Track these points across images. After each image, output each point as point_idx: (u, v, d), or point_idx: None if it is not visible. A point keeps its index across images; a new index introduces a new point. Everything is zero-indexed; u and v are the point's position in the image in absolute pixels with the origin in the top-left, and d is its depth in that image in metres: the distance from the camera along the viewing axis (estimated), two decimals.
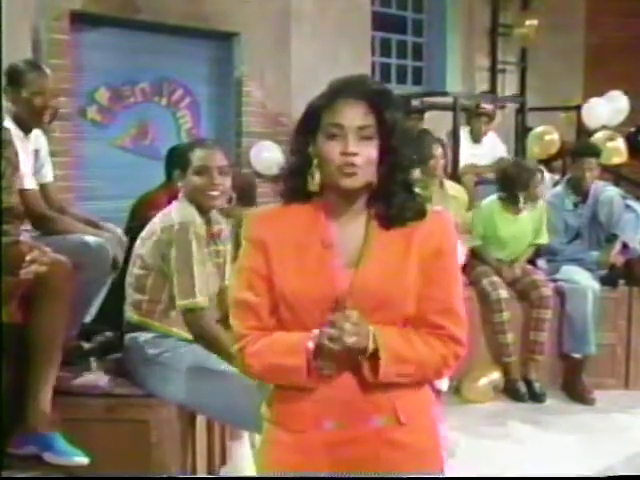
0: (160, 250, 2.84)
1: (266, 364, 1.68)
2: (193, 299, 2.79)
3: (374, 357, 1.63)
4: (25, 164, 3.10)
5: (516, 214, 5.00)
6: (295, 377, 1.66)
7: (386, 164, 1.67)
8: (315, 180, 1.69)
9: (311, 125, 1.69)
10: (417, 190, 1.73)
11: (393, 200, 1.68)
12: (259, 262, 1.71)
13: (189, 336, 2.88)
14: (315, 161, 1.68)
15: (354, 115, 1.65)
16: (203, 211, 2.90)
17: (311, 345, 1.62)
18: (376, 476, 1.69)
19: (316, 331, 1.63)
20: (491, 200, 5.08)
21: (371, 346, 1.62)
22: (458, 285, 1.75)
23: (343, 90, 1.68)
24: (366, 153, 1.65)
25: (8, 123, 3.07)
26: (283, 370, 1.67)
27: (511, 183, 4.94)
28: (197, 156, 2.90)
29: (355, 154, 1.63)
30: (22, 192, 3.03)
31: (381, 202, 1.70)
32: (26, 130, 3.20)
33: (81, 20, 4.91)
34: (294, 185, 1.73)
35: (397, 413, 1.69)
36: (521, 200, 4.92)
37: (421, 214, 1.71)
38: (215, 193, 2.89)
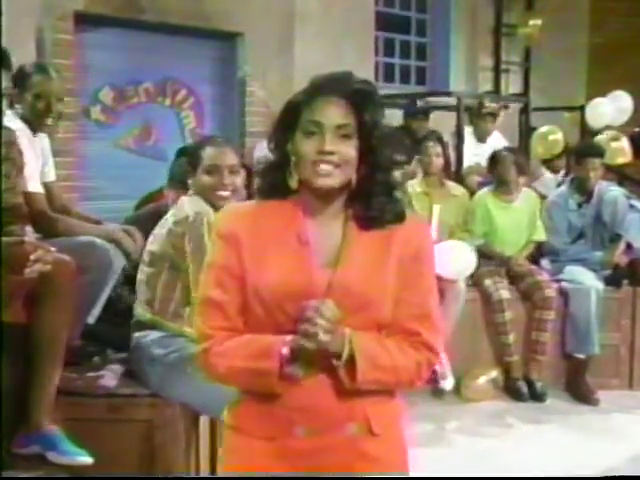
0: (172, 242, 2.81)
1: (233, 366, 1.62)
2: None
3: (350, 362, 1.59)
4: (34, 165, 3.10)
5: (508, 202, 5.11)
6: (264, 381, 1.60)
7: (366, 164, 1.65)
8: (293, 178, 1.66)
9: (290, 121, 1.66)
10: (397, 194, 1.70)
11: (372, 201, 1.65)
12: (231, 259, 1.66)
13: None
14: (293, 159, 1.65)
15: (333, 113, 1.61)
16: (214, 209, 2.88)
17: (285, 351, 1.58)
18: (367, 476, 1.67)
19: (290, 337, 1.58)
20: (483, 191, 5.25)
21: (346, 352, 1.58)
22: (434, 291, 1.72)
23: (324, 87, 1.64)
24: (344, 152, 1.61)
25: (18, 123, 3.08)
26: (252, 373, 1.61)
27: (488, 164, 5.31)
28: (208, 155, 2.88)
29: (332, 153, 1.60)
30: (28, 195, 3.03)
31: (360, 203, 1.67)
32: (34, 131, 3.21)
33: (85, 20, 4.92)
34: (272, 181, 1.70)
35: (369, 422, 1.66)
36: (495, 179, 5.18)
37: (400, 217, 1.68)
38: (225, 193, 2.86)
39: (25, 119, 3.17)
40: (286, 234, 1.65)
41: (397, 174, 1.73)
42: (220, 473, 1.83)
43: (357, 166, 1.64)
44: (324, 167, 1.61)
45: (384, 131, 1.66)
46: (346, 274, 1.63)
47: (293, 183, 1.66)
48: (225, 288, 1.66)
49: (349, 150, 1.62)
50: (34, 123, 3.19)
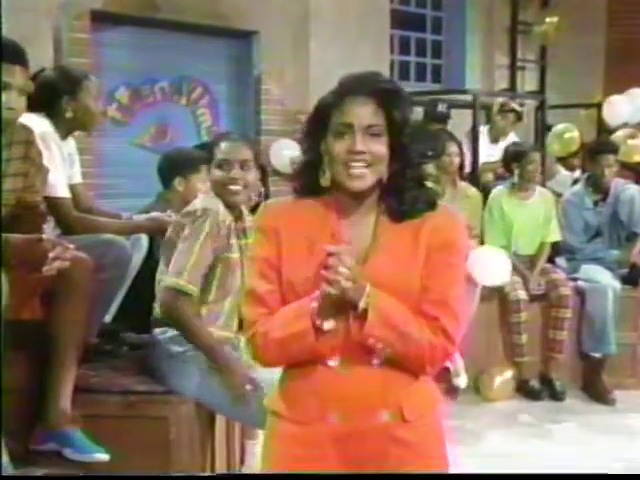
0: (177, 231, 2.84)
1: (273, 338, 1.67)
2: (178, 279, 2.74)
3: (364, 315, 1.62)
4: (61, 170, 3.13)
5: (524, 199, 5.04)
6: (304, 343, 1.64)
7: (397, 161, 1.69)
8: (326, 176, 1.70)
9: (321, 122, 1.70)
10: (429, 184, 1.74)
11: (405, 196, 1.69)
12: (272, 251, 1.72)
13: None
14: (326, 158, 1.70)
15: (363, 114, 1.65)
16: (230, 205, 2.89)
17: (315, 305, 1.63)
18: (379, 473, 1.69)
19: (317, 292, 1.63)
20: (498, 189, 5.20)
21: (362, 304, 1.62)
22: (459, 282, 1.74)
23: (353, 88, 1.68)
24: (375, 150, 1.66)
25: (47, 127, 3.10)
26: (291, 338, 1.65)
27: (507, 158, 5.17)
28: (220, 149, 2.89)
29: (362, 152, 1.64)
30: (56, 200, 3.05)
31: (392, 198, 1.70)
32: (63, 136, 3.22)
33: (101, 19, 4.94)
34: (306, 181, 1.75)
35: (402, 409, 1.69)
36: (515, 175, 5.05)
37: (431, 205, 1.71)
38: (235, 187, 2.87)
39: (56, 124, 3.17)
40: (321, 232, 1.70)
41: (429, 167, 1.77)
42: (260, 456, 1.88)
43: (389, 163, 1.68)
44: (356, 169, 1.65)
45: (413, 127, 1.70)
46: (376, 267, 1.67)
47: (326, 182, 1.71)
48: (268, 279, 1.72)
49: (380, 148, 1.66)
50: (65, 128, 3.21)
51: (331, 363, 1.68)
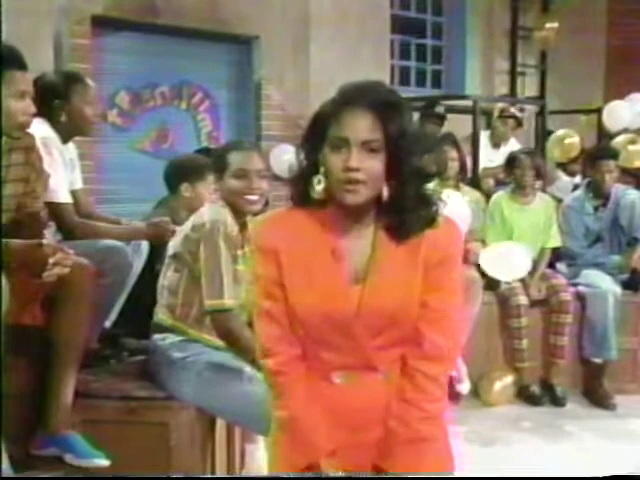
0: (188, 247, 2.82)
1: (281, 417, 1.73)
2: (221, 300, 2.76)
3: None
4: (62, 175, 3.13)
5: (524, 204, 5.07)
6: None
7: (396, 177, 1.63)
8: (320, 187, 1.66)
9: (319, 132, 1.66)
10: (431, 194, 1.69)
11: (405, 216, 1.64)
12: (273, 272, 1.69)
13: (220, 343, 2.88)
14: (322, 169, 1.65)
15: (360, 128, 1.59)
16: (239, 214, 2.89)
17: None
18: (382, 476, 1.70)
19: None
20: (499, 194, 5.23)
21: None
22: (455, 296, 1.73)
23: (351, 99, 1.63)
24: (370, 167, 1.59)
25: (49, 132, 3.10)
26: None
27: (505, 164, 5.25)
28: (235, 159, 2.87)
29: (357, 170, 1.59)
30: (57, 206, 3.06)
31: (392, 216, 1.66)
32: (65, 140, 3.22)
33: (102, 24, 4.95)
34: (301, 190, 1.71)
35: None
36: (512, 182, 5.14)
37: (431, 223, 1.67)
38: (253, 197, 2.87)
39: (58, 128, 3.17)
40: (321, 249, 1.67)
41: (432, 185, 1.71)
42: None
43: (388, 178, 1.63)
44: (350, 185, 1.60)
45: (413, 142, 1.63)
46: (375, 292, 1.65)
47: (320, 194, 1.66)
48: (275, 298, 1.69)
49: (375, 164, 1.60)
50: (64, 133, 3.21)
51: (335, 379, 1.69)
